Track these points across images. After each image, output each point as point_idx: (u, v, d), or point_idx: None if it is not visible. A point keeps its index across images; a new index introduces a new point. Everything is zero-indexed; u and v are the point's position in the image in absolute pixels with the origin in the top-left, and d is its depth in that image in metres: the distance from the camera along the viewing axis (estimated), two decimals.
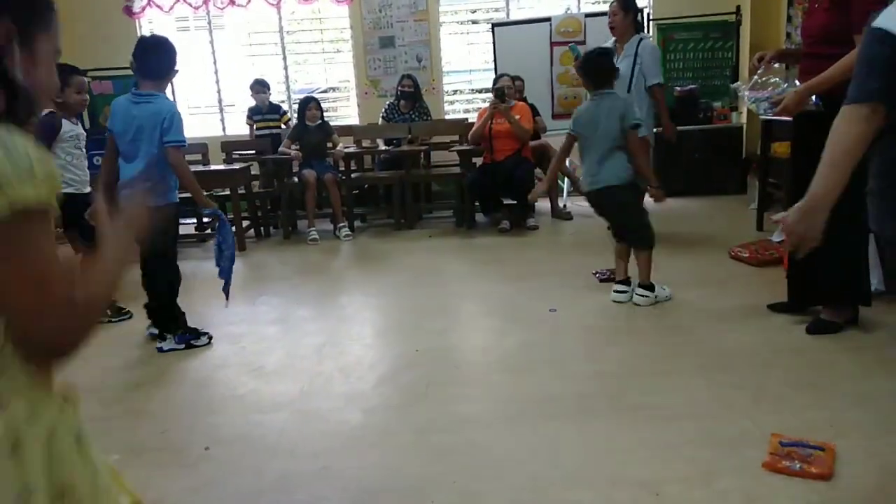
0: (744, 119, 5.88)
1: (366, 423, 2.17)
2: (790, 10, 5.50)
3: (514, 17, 6.20)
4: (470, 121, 5.63)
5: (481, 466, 1.85)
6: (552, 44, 5.58)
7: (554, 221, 5.21)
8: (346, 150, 5.34)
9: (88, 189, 3.32)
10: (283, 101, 6.36)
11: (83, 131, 3.41)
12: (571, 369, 2.47)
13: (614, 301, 3.16)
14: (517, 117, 4.83)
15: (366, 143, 5.91)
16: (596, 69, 3.15)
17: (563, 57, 5.50)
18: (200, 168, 5.22)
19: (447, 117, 6.36)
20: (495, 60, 5.78)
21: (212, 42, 6.48)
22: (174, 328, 2.95)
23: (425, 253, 4.53)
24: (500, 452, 1.92)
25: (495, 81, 5.08)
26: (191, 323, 3.02)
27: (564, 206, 5.46)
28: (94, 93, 5.64)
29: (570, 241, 4.70)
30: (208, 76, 6.55)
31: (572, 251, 4.37)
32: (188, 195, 3.00)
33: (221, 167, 5.33)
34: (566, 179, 5.81)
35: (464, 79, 6.65)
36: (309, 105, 5.22)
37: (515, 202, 5.06)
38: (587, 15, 5.57)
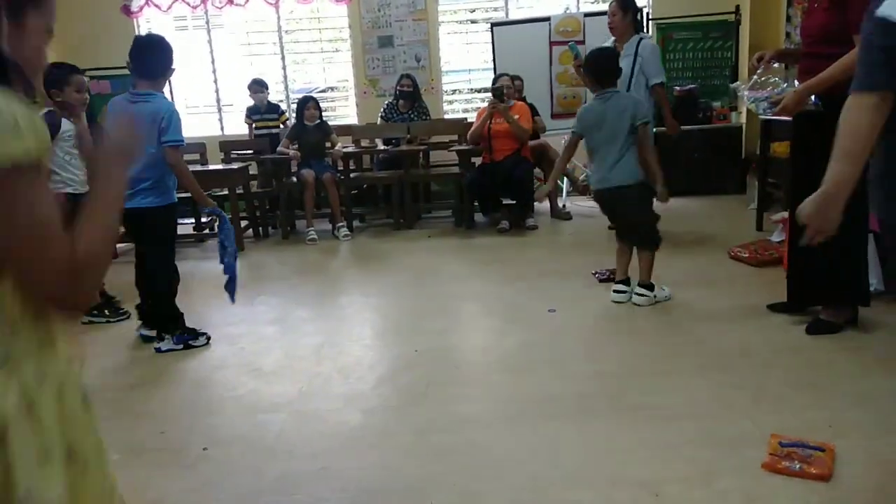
0: (743, 119, 5.88)
1: (365, 424, 2.16)
2: (789, 10, 5.50)
3: (513, 16, 6.19)
4: (469, 120, 5.63)
5: (481, 466, 1.85)
6: (551, 43, 5.57)
7: (553, 221, 5.20)
8: (344, 150, 5.33)
9: (87, 188, 3.31)
10: (281, 101, 6.35)
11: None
12: (571, 369, 2.46)
13: (614, 301, 3.16)
14: (516, 117, 4.83)
15: (364, 143, 5.90)
16: (601, 68, 3.15)
17: (562, 56, 5.49)
18: (198, 168, 5.21)
19: (446, 117, 6.35)
20: (494, 60, 5.77)
21: (210, 41, 6.47)
22: (172, 328, 2.94)
23: (424, 253, 4.52)
24: (500, 452, 1.92)
25: (494, 81, 5.08)
26: (189, 323, 3.02)
27: (564, 206, 5.45)
28: (93, 92, 5.60)
29: (569, 241, 4.70)
30: (206, 76, 6.53)
31: (572, 251, 4.36)
32: (187, 195, 2.99)
33: (220, 167, 5.32)
34: (566, 179, 5.80)
35: (463, 78, 6.65)
36: (307, 105, 5.21)
37: (515, 202, 5.05)
38: (586, 14, 5.57)
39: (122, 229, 2.67)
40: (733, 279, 3.44)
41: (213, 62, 6.51)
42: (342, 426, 2.15)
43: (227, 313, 3.43)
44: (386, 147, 5.62)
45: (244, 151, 5.78)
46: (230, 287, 2.80)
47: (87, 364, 0.89)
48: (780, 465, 1.72)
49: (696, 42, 6.02)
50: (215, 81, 6.56)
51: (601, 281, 3.52)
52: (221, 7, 6.28)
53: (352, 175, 5.50)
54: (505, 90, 4.84)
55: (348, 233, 5.09)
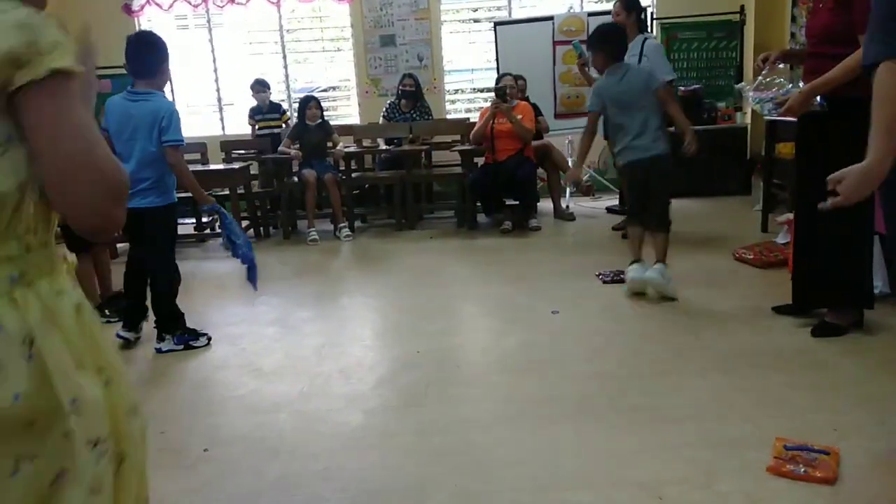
0: (748, 119, 5.86)
1: (366, 424, 2.15)
2: (794, 10, 5.48)
3: (516, 15, 6.18)
4: (472, 120, 5.62)
5: (481, 467, 1.84)
6: (555, 43, 5.56)
7: (556, 222, 5.19)
8: (346, 150, 5.33)
9: None
10: (283, 100, 6.35)
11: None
12: (572, 370, 2.45)
13: (630, 278, 3.18)
14: (519, 117, 4.82)
15: (366, 143, 5.89)
16: (614, 43, 3.25)
17: (566, 55, 5.48)
18: (199, 167, 5.21)
19: (448, 117, 6.35)
20: (497, 59, 5.76)
21: (211, 40, 6.47)
22: (173, 329, 2.94)
23: (426, 253, 4.51)
24: (501, 453, 1.91)
25: (497, 81, 5.08)
26: (190, 323, 3.01)
27: (567, 206, 5.44)
28: None
29: (572, 242, 4.68)
30: (208, 75, 6.54)
31: (574, 252, 4.35)
32: (187, 195, 2.98)
33: (221, 167, 5.33)
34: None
35: (465, 78, 6.64)
36: (309, 104, 5.21)
37: (517, 203, 5.04)
38: (590, 14, 5.55)
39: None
40: (737, 280, 3.43)
41: (214, 61, 6.51)
42: (343, 426, 2.14)
43: (227, 313, 3.43)
44: (388, 147, 5.61)
45: (245, 151, 5.78)
46: (251, 276, 2.79)
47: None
48: (784, 469, 1.71)
49: (700, 42, 6.01)
50: (216, 81, 6.56)
51: (605, 283, 3.50)
52: (223, 6, 6.29)
53: (353, 175, 5.49)
54: (508, 90, 4.83)
55: (350, 233, 5.08)
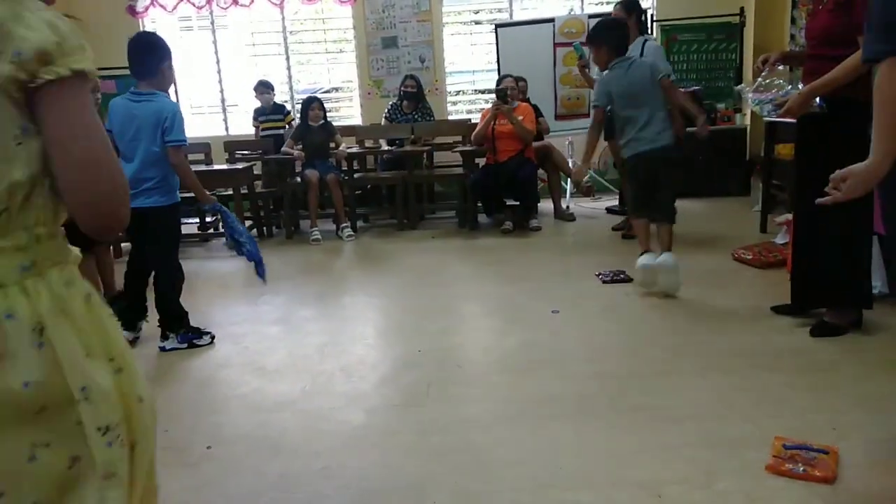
0: (747, 121, 5.87)
1: (367, 423, 2.17)
2: (794, 12, 5.49)
3: (517, 17, 6.20)
4: (473, 121, 5.63)
5: (482, 466, 1.85)
6: (555, 45, 5.58)
7: (557, 223, 5.20)
8: (348, 151, 5.35)
9: None
10: (286, 101, 6.37)
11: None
12: (572, 370, 2.46)
13: (642, 266, 3.22)
14: (520, 118, 4.83)
15: (368, 144, 5.91)
16: (618, 36, 3.30)
17: (566, 57, 5.50)
18: (203, 168, 5.23)
19: (450, 118, 6.37)
20: (498, 61, 5.78)
21: (215, 42, 6.50)
22: (177, 327, 2.95)
23: (427, 253, 4.53)
24: (501, 453, 1.92)
25: (498, 82, 5.09)
26: (193, 322, 3.02)
27: (567, 207, 5.45)
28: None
29: (572, 243, 4.70)
30: (211, 76, 6.56)
31: (575, 252, 4.37)
32: (190, 195, 3.00)
33: (224, 167, 5.34)
34: (569, 181, 5.81)
35: (467, 79, 6.65)
36: (312, 105, 5.22)
37: (518, 203, 5.06)
38: (590, 16, 5.56)
39: None
40: (737, 281, 3.44)
41: (217, 62, 6.54)
42: (345, 425, 2.16)
43: (230, 312, 3.45)
44: (390, 148, 5.63)
45: (249, 151, 5.80)
46: (260, 271, 2.82)
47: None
48: (783, 468, 1.72)
49: (700, 44, 6.02)
50: (220, 82, 6.58)
51: (605, 283, 3.51)
52: (226, 7, 6.31)
53: (356, 175, 5.51)
54: (509, 91, 4.84)
55: (352, 233, 5.10)
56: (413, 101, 5.69)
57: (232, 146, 5.70)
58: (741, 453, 1.81)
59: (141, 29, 6.33)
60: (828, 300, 2.66)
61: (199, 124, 6.55)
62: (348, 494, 1.77)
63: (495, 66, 5.84)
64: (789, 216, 3.38)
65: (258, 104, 5.88)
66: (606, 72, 3.35)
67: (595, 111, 3.37)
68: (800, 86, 2.47)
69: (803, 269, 2.69)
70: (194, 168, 3.06)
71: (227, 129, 6.65)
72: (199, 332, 2.99)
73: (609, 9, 4.89)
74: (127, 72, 2.84)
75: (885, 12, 1.42)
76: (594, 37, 3.38)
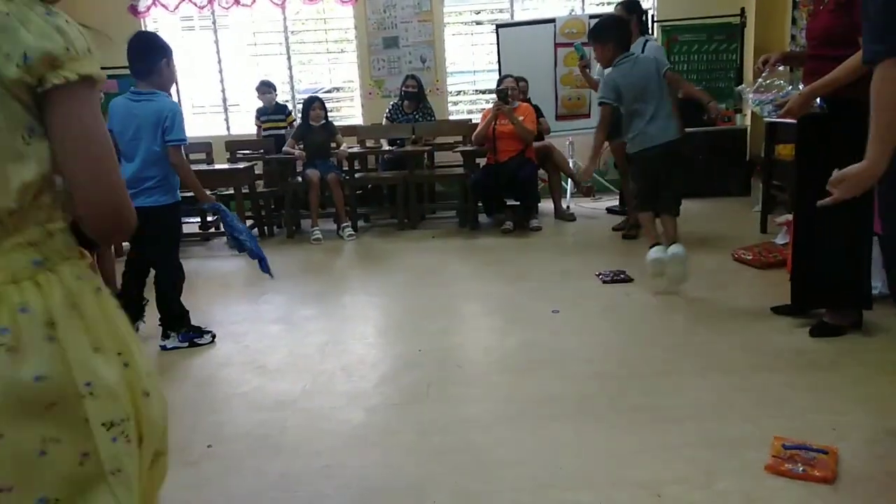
0: (748, 121, 5.88)
1: (367, 422, 2.17)
2: (795, 13, 5.49)
3: (518, 18, 6.20)
4: (474, 121, 5.64)
5: (482, 466, 1.85)
6: (556, 45, 5.58)
7: (557, 222, 5.21)
8: (349, 150, 5.35)
9: None
10: (287, 101, 6.38)
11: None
12: (572, 370, 2.47)
13: (654, 259, 3.23)
14: (521, 118, 4.84)
15: (369, 144, 5.92)
16: (622, 33, 3.35)
17: (567, 58, 5.50)
18: (204, 167, 5.24)
19: (451, 118, 6.37)
20: (499, 61, 5.78)
21: (216, 41, 6.51)
22: (178, 326, 2.96)
23: (428, 253, 4.53)
24: (501, 452, 1.92)
25: (499, 82, 5.10)
26: (194, 321, 3.03)
27: (567, 207, 5.46)
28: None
29: (572, 243, 4.70)
30: (213, 76, 6.57)
31: (575, 252, 4.37)
32: (190, 194, 3.01)
33: (225, 166, 5.35)
34: (569, 181, 5.81)
35: (468, 79, 6.66)
36: (313, 105, 5.23)
37: (518, 203, 5.06)
38: (591, 16, 5.56)
39: None
40: (737, 281, 3.44)
41: (219, 62, 6.54)
42: (345, 424, 2.16)
43: (231, 311, 3.45)
44: (391, 147, 5.64)
45: (250, 151, 5.81)
46: (264, 267, 2.85)
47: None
48: (782, 468, 1.72)
49: (700, 44, 6.02)
50: (221, 81, 6.59)
51: (605, 283, 3.52)
52: (228, 7, 6.32)
53: (356, 175, 5.52)
54: (509, 92, 4.85)
55: (353, 233, 5.10)
56: (414, 101, 5.70)
57: (233, 146, 5.71)
58: (741, 453, 1.82)
59: (143, 28, 6.34)
60: (828, 301, 2.67)
61: (201, 124, 6.56)
62: (349, 494, 1.77)
63: (496, 67, 5.85)
64: (789, 217, 3.38)
65: (260, 104, 5.89)
66: (610, 69, 3.36)
67: (603, 109, 3.35)
68: (800, 86, 2.47)
69: (803, 269, 2.70)
70: (196, 167, 3.07)
71: (228, 128, 6.65)
72: (200, 331, 3.00)
73: (610, 9, 4.89)
74: (127, 71, 2.84)
75: (882, 13, 1.42)
76: (600, 34, 3.38)
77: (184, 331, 2.96)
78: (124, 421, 0.90)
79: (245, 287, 4.04)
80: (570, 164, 5.63)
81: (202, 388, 2.55)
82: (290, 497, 1.78)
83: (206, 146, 5.61)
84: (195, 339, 2.96)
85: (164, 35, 2.96)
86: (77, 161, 0.84)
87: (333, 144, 5.27)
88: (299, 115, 5.48)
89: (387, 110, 5.88)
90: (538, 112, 5.24)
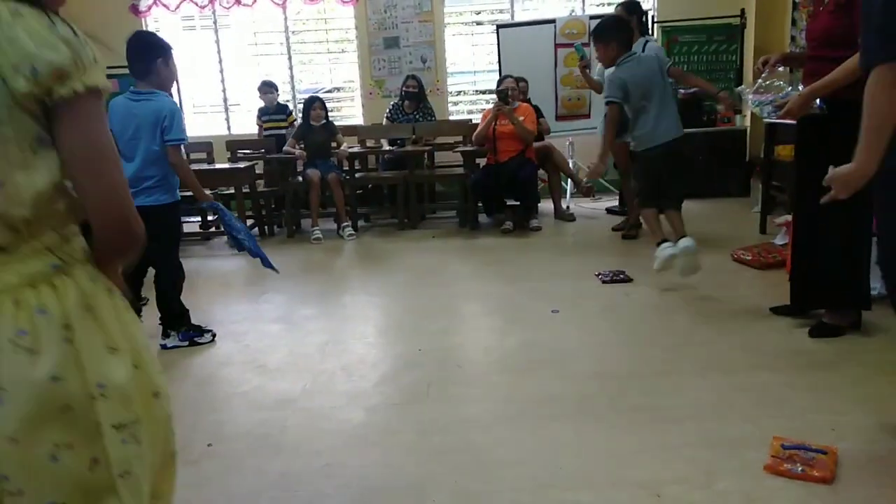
0: (747, 122, 5.88)
1: (368, 422, 2.17)
2: (795, 14, 5.50)
3: (518, 18, 6.21)
4: (474, 122, 5.64)
5: (482, 466, 1.86)
6: (556, 45, 5.58)
7: (557, 223, 5.21)
8: (350, 150, 5.35)
9: None
10: (287, 101, 6.38)
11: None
12: (572, 370, 2.47)
13: (665, 256, 3.24)
14: (521, 119, 4.84)
15: (370, 144, 5.92)
16: (625, 32, 3.37)
17: (567, 58, 5.51)
18: (205, 167, 5.25)
19: (451, 118, 6.37)
20: (500, 62, 5.79)
21: (217, 41, 6.51)
22: (178, 325, 2.96)
23: (428, 253, 4.53)
24: (501, 452, 1.93)
25: (499, 83, 5.10)
26: (194, 320, 3.03)
27: (567, 207, 5.46)
28: None
29: (572, 243, 4.70)
30: (214, 75, 6.57)
31: (575, 252, 4.37)
32: (190, 194, 3.01)
33: (226, 166, 5.36)
34: (569, 181, 5.81)
35: (468, 80, 6.66)
36: (314, 105, 5.23)
37: (518, 203, 5.07)
38: (591, 17, 5.57)
39: None
40: (736, 281, 3.45)
41: (220, 62, 6.55)
42: (345, 424, 2.16)
43: (231, 311, 3.46)
44: (391, 147, 5.64)
45: (250, 151, 5.81)
46: (266, 263, 2.86)
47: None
48: (781, 468, 1.72)
49: (700, 45, 6.03)
50: (222, 81, 6.59)
51: (604, 282, 3.52)
52: (229, 7, 6.32)
53: (357, 175, 5.52)
54: (510, 92, 4.85)
55: (353, 232, 5.11)
56: (414, 102, 5.70)
57: (234, 145, 5.71)
58: (741, 453, 1.82)
59: (144, 28, 6.34)
60: (827, 301, 2.67)
61: (202, 123, 6.56)
62: (349, 493, 1.78)
63: (496, 67, 5.85)
64: (789, 217, 3.39)
65: (262, 104, 5.89)
66: (613, 69, 3.37)
67: (610, 108, 3.35)
68: (800, 87, 2.47)
69: (803, 270, 2.70)
70: (196, 167, 3.07)
71: (229, 128, 6.66)
72: (201, 330, 3.00)
73: (610, 10, 4.90)
74: (128, 71, 2.84)
75: (881, 17, 1.43)
76: (602, 34, 3.39)
77: (184, 330, 2.96)
78: (134, 423, 0.91)
79: (245, 286, 4.04)
80: (570, 165, 5.63)
81: (202, 387, 2.56)
82: (291, 496, 1.78)
83: (206, 146, 5.62)
84: (195, 338, 2.96)
85: (165, 35, 2.96)
86: (85, 173, 0.86)
87: (334, 144, 5.27)
88: (300, 114, 5.48)
89: (387, 110, 5.89)
90: (538, 112, 5.25)
